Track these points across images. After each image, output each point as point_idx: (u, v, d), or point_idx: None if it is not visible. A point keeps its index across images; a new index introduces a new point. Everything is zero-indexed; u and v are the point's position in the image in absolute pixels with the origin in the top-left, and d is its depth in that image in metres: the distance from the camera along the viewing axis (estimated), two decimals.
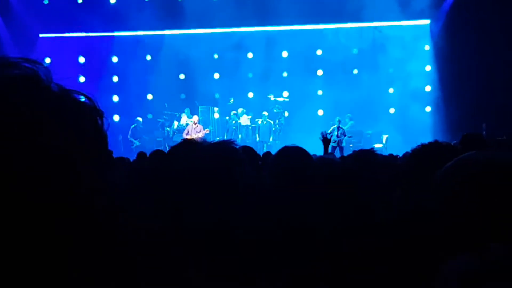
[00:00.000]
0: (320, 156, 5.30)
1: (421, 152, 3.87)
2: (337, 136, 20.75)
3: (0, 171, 0.93)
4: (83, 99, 1.09)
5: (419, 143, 3.90)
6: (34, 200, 0.95)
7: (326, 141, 10.78)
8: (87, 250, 1.04)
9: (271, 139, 22.11)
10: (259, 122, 22.43)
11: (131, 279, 2.54)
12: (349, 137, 21.15)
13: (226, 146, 3.12)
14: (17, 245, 0.95)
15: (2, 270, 0.94)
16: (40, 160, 0.96)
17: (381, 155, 6.01)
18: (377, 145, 20.74)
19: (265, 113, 22.46)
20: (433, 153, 3.60)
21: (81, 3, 23.69)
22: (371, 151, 4.89)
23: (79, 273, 1.04)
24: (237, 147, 3.18)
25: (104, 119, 1.10)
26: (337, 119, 21.05)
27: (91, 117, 1.08)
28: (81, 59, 24.23)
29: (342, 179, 3.98)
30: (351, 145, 21.28)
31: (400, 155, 12.26)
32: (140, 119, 22.95)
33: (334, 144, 20.53)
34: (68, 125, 1.02)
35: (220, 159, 3.01)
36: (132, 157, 11.13)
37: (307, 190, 3.69)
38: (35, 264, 0.97)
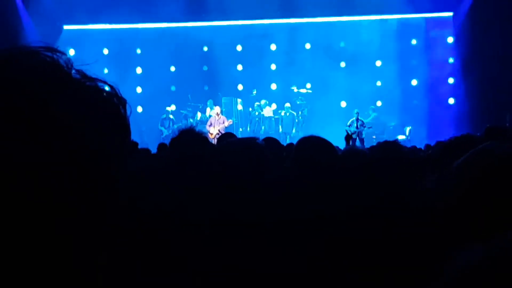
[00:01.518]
0: (347, 147, 5.30)
1: (453, 145, 3.87)
2: (357, 127, 20.73)
3: (18, 160, 0.92)
4: (106, 87, 1.08)
5: (442, 135, 3.91)
6: (52, 191, 0.94)
7: (348, 138, 10.80)
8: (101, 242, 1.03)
9: (294, 131, 22.11)
10: (282, 113, 22.42)
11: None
12: (369, 128, 21.14)
13: (252, 146, 3.15)
14: (26, 236, 0.93)
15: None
16: (60, 149, 0.95)
17: (406, 147, 5.96)
18: (400, 137, 20.73)
19: (288, 105, 22.47)
20: (464, 146, 3.58)
21: None
22: (396, 143, 4.86)
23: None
24: (262, 144, 3.21)
25: (127, 107, 1.09)
26: (355, 111, 21.05)
27: (113, 105, 1.07)
28: (105, 51, 24.36)
29: (368, 170, 4.00)
30: (374, 137, 21.28)
31: (423, 147, 12.30)
32: (169, 108, 23.03)
33: (354, 136, 20.51)
34: (89, 113, 1.01)
35: (247, 159, 3.05)
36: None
37: (332, 182, 3.70)
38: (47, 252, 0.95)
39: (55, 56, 1.02)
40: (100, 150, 1.01)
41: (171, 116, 22.95)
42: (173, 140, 4.15)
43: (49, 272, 0.96)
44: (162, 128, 22.69)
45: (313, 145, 4.17)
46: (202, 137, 4.12)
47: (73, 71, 1.03)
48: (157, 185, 3.45)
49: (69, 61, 1.04)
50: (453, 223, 1.98)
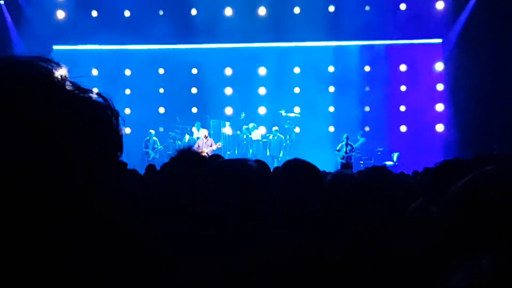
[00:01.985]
0: (338, 171, 5.26)
1: (444, 168, 3.88)
2: (346, 152, 20.80)
3: (7, 170, 0.93)
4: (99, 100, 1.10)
5: (429, 162, 3.95)
6: (40, 198, 0.95)
7: (347, 166, 10.86)
8: (88, 249, 1.04)
9: (281, 154, 22.09)
10: (270, 137, 22.45)
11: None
12: (357, 153, 21.20)
13: (243, 167, 3.15)
14: (19, 243, 0.95)
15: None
16: (50, 159, 0.96)
17: (394, 173, 5.94)
18: (388, 163, 20.72)
19: (275, 128, 22.49)
20: (456, 169, 3.58)
21: (95, 17, 24.04)
22: (385, 168, 4.84)
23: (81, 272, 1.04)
24: (254, 166, 3.21)
25: (120, 119, 1.11)
26: (345, 136, 21.16)
27: (106, 116, 1.08)
28: (94, 72, 24.35)
29: (359, 196, 3.99)
30: (361, 162, 21.31)
31: (411, 173, 12.31)
32: (152, 131, 23.02)
33: (343, 161, 20.57)
34: (81, 124, 1.02)
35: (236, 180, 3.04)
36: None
37: (318, 212, 3.68)
38: (37, 262, 0.97)
39: (49, 67, 1.04)
40: (92, 158, 1.02)
41: (154, 138, 22.92)
42: (172, 159, 4.11)
43: (48, 271, 0.97)
44: (149, 150, 22.63)
45: (299, 168, 4.12)
46: (200, 157, 4.14)
47: (67, 82, 1.05)
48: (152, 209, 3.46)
49: (63, 72, 1.06)
50: (457, 243, 1.98)
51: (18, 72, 1.01)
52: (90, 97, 1.08)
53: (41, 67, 1.03)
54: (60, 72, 1.05)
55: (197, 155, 4.18)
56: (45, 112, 0.97)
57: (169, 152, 22.93)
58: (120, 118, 1.11)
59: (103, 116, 1.08)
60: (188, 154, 4.05)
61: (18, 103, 0.96)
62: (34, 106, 0.97)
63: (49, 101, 0.99)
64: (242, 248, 2.82)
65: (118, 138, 1.10)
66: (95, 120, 1.05)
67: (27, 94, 0.97)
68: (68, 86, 1.05)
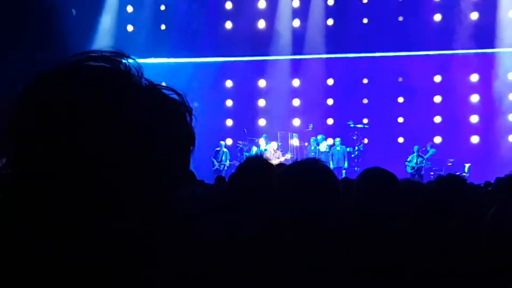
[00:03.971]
0: (407, 179, 5.27)
1: None
2: (416, 163, 20.66)
3: (85, 163, 0.98)
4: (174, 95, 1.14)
5: (501, 173, 3.93)
6: (114, 191, 1.01)
7: None
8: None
9: (345, 165, 22.01)
10: (338, 148, 22.36)
11: None
12: (428, 164, 21.02)
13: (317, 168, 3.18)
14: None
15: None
16: (126, 150, 1.01)
17: (469, 183, 5.85)
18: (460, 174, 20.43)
19: (338, 139, 22.38)
20: None
21: (163, 30, 24.83)
22: (459, 177, 4.78)
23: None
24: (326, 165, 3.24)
25: (193, 116, 1.14)
26: (416, 148, 20.97)
27: (180, 112, 1.12)
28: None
29: (431, 206, 4.03)
30: (432, 173, 21.08)
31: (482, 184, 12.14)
32: (223, 142, 23.24)
33: (413, 172, 20.43)
34: (157, 119, 1.06)
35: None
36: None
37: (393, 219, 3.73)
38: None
39: (127, 62, 1.10)
40: (165, 153, 1.06)
41: (224, 149, 23.15)
42: (240, 166, 4.16)
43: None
44: (215, 160, 22.87)
45: (376, 176, 4.18)
46: (268, 163, 4.15)
47: (143, 78, 1.11)
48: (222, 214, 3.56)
49: (139, 68, 1.11)
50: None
51: (98, 67, 1.06)
52: (165, 94, 1.12)
53: (117, 62, 1.08)
54: (136, 68, 1.10)
55: (266, 161, 4.19)
56: (125, 106, 1.02)
57: (236, 163, 23.18)
58: (193, 114, 1.15)
59: (178, 111, 1.12)
60: (257, 160, 4.12)
61: (98, 97, 1.01)
62: (114, 100, 1.01)
63: (128, 96, 1.04)
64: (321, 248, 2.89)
65: (191, 132, 1.14)
66: (171, 115, 1.09)
67: (105, 89, 1.02)
68: (144, 82, 1.10)
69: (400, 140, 23.61)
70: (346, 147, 22.46)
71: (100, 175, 0.99)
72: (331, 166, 21.49)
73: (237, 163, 22.39)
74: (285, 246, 2.84)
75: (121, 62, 1.08)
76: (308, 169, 3.12)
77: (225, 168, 22.55)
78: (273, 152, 21.26)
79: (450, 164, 22.11)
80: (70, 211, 0.99)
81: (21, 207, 1.00)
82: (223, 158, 23.00)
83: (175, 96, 1.13)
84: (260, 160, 4.12)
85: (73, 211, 0.99)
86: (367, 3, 23.78)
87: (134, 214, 1.04)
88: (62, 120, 0.98)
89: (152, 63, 24.46)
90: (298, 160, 3.43)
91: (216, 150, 23.07)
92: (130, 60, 1.10)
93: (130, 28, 24.94)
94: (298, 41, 24.06)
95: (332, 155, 22.35)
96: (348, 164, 22.15)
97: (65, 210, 0.99)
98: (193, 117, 1.14)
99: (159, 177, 1.06)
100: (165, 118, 1.07)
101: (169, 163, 1.07)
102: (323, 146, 22.63)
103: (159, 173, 1.05)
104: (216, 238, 3.07)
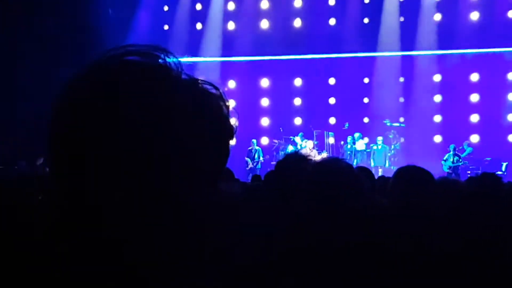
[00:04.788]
0: (444, 177, 5.24)
1: None
2: (453, 162, 20.64)
3: (132, 156, 0.98)
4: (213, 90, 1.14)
5: None
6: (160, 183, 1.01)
7: None
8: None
9: (387, 164, 22.06)
10: (375, 147, 22.37)
11: None
12: (464, 162, 20.98)
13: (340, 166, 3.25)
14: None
15: None
16: (169, 145, 1.01)
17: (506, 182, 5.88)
18: (498, 173, 20.34)
19: (380, 138, 22.40)
20: None
21: (199, 30, 25.02)
22: (497, 177, 4.80)
23: None
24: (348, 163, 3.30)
25: (231, 109, 1.14)
26: (452, 146, 20.95)
27: (219, 106, 1.12)
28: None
29: (467, 205, 4.06)
30: (468, 172, 20.99)
31: None
32: (255, 140, 23.35)
33: (449, 171, 20.39)
34: (197, 112, 1.06)
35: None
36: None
37: (428, 213, 3.82)
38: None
39: (166, 56, 1.10)
40: (204, 146, 1.07)
41: (257, 147, 23.26)
42: (279, 162, 4.27)
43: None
44: (248, 160, 23.02)
45: (413, 174, 4.19)
46: (306, 158, 4.17)
47: (183, 72, 1.11)
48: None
49: (179, 62, 1.11)
50: None
51: (137, 61, 1.07)
52: (204, 88, 1.12)
53: (157, 56, 1.09)
54: (176, 63, 1.10)
55: (304, 156, 4.22)
56: (165, 100, 1.02)
57: (273, 163, 23.21)
58: (231, 108, 1.15)
59: (217, 105, 1.12)
60: (295, 156, 4.21)
61: (139, 92, 1.01)
62: (155, 95, 1.02)
63: (170, 90, 1.05)
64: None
65: (230, 126, 1.14)
66: (210, 108, 1.09)
67: (145, 84, 1.03)
68: (184, 75, 1.11)
69: (437, 139, 23.57)
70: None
71: (150, 172, 0.99)
72: (372, 164, 21.55)
73: (271, 160, 22.59)
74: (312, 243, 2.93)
75: (159, 56, 1.09)
76: (330, 168, 3.22)
77: (259, 165, 22.62)
78: (309, 151, 21.28)
79: (487, 162, 21.99)
80: (120, 213, 1.00)
81: (63, 209, 1.01)
82: (256, 156, 23.05)
83: (214, 91, 1.14)
84: (299, 157, 4.18)
85: (122, 214, 1.00)
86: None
87: (179, 211, 1.04)
88: (103, 116, 0.99)
89: (187, 62, 24.55)
90: (320, 160, 3.54)
91: (249, 149, 23.14)
92: (169, 55, 1.11)
93: (166, 27, 25.19)
94: (335, 40, 24.12)
95: (373, 154, 22.44)
96: (388, 164, 22.18)
97: (113, 212, 1.00)
98: (232, 110, 1.15)
99: (198, 170, 1.06)
100: (204, 111, 1.08)
101: (208, 156, 1.08)
102: (360, 145, 22.63)
103: (198, 166, 1.06)
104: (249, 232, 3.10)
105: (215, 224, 1.08)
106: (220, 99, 1.13)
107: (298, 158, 4.14)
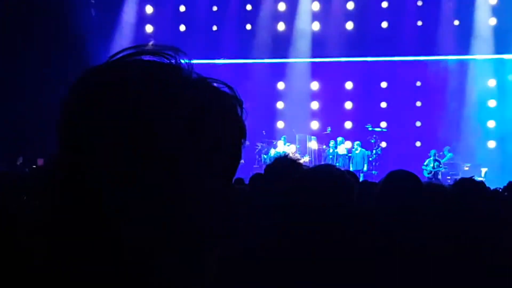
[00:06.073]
0: (429, 182, 5.25)
1: None
2: (433, 167, 20.81)
3: (141, 155, 0.97)
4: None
5: None
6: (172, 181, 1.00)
7: None
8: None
9: (365, 168, 22.24)
10: (357, 151, 22.43)
11: None
12: (444, 168, 21.15)
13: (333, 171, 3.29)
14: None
15: None
16: (178, 145, 1.00)
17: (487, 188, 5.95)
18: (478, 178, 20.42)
19: (357, 142, 22.55)
20: None
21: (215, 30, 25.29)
22: (478, 182, 4.86)
23: None
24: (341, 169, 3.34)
25: (244, 109, 1.12)
26: (432, 152, 21.15)
27: (231, 105, 1.10)
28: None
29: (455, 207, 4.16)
30: (448, 177, 21.13)
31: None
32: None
33: (430, 176, 20.54)
34: (209, 111, 1.04)
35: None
36: None
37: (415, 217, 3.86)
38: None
39: (177, 56, 1.08)
40: (217, 146, 1.05)
41: None
42: (268, 166, 4.30)
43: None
44: None
45: (401, 178, 4.16)
46: (296, 162, 4.18)
47: (194, 72, 1.09)
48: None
49: (190, 63, 1.09)
50: None
51: (149, 60, 1.06)
52: (216, 87, 1.11)
53: (168, 56, 1.08)
54: (187, 63, 1.09)
55: (294, 160, 4.23)
56: (172, 100, 1.01)
57: (255, 166, 23.21)
58: (243, 108, 1.13)
59: (230, 104, 1.10)
60: (285, 159, 4.22)
61: (151, 90, 1.01)
62: (162, 95, 1.01)
63: (176, 90, 1.03)
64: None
65: (242, 125, 1.13)
66: (223, 107, 1.08)
67: (159, 82, 1.02)
68: (195, 75, 1.09)
69: (418, 144, 23.79)
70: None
71: (159, 172, 0.98)
72: (351, 169, 21.60)
73: (253, 163, 22.60)
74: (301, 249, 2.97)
75: (171, 56, 1.08)
76: (323, 174, 3.21)
77: None
78: (291, 155, 21.20)
79: (467, 168, 22.15)
80: (128, 215, 0.99)
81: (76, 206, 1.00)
82: None
83: (227, 89, 1.12)
84: (289, 161, 4.19)
85: (129, 216, 0.99)
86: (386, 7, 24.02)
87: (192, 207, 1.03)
88: (114, 114, 0.99)
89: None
90: (314, 166, 3.53)
91: None
92: (181, 55, 1.10)
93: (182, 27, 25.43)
94: (318, 44, 24.31)
95: (352, 158, 22.54)
96: (367, 168, 22.32)
97: (124, 214, 0.99)
98: (244, 110, 1.13)
99: (211, 170, 1.04)
100: (216, 110, 1.06)
101: (221, 156, 1.06)
102: (341, 149, 22.71)
103: (211, 165, 1.04)
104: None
105: (227, 227, 1.07)
106: (233, 98, 1.11)
107: (288, 162, 4.14)
